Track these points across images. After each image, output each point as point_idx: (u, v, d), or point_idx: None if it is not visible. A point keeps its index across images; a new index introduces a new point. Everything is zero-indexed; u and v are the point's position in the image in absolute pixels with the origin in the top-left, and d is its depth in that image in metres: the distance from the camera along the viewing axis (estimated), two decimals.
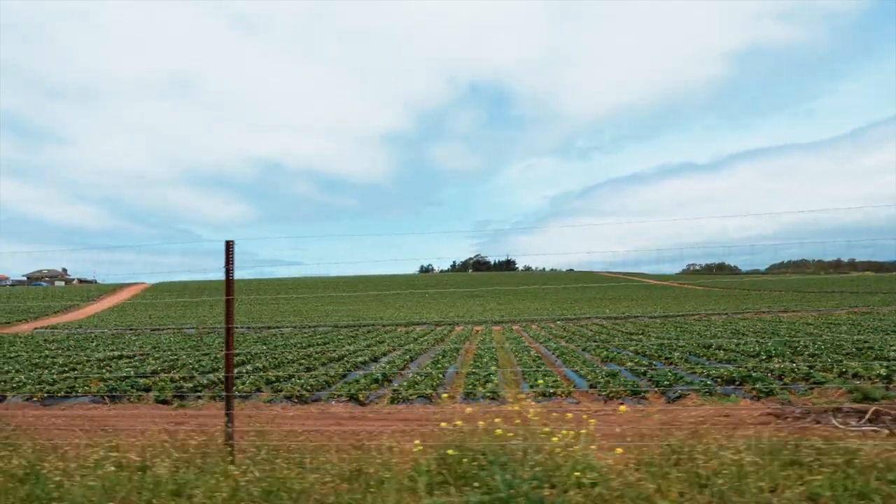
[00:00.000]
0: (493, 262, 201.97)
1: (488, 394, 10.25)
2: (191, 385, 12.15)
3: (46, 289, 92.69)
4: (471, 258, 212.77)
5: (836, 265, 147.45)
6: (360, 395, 10.58)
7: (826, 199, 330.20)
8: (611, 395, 9.78)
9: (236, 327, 35.29)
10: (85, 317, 49.11)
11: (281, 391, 11.25)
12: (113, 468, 3.71)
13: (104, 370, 15.11)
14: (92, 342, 26.25)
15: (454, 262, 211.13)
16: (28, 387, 12.07)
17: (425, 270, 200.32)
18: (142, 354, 19.59)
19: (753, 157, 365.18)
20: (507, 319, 42.40)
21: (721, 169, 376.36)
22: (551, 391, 10.12)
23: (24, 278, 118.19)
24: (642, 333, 25.37)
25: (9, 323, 43.04)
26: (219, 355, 18.18)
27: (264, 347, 22.41)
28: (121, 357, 18.68)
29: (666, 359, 14.61)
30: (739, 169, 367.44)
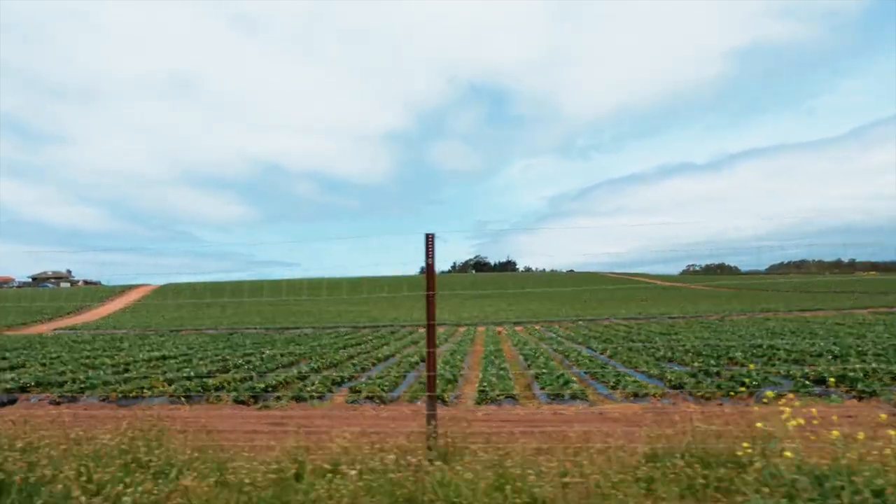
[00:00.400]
0: (493, 263, 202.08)
1: (575, 394, 10.13)
2: (262, 385, 12.00)
3: (54, 290, 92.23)
4: (470, 259, 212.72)
5: (837, 265, 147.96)
6: (445, 396, 10.45)
7: (827, 198, 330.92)
8: (706, 395, 9.66)
9: (253, 329, 34.94)
10: (99, 318, 48.83)
11: (360, 391, 11.11)
12: (354, 472, 3.56)
13: (158, 371, 14.93)
14: (120, 342, 26.04)
15: (454, 262, 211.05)
16: (98, 388, 11.93)
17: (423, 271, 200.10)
18: (184, 354, 19.40)
19: (754, 156, 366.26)
20: (525, 320, 42.29)
21: (721, 168, 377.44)
22: (644, 392, 10.01)
23: (30, 280, 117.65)
24: (675, 334, 25.21)
25: (25, 324, 42.74)
26: (264, 355, 18.04)
27: (300, 348, 22.23)
28: (165, 357, 18.50)
29: (729, 358, 14.51)
30: (740, 168, 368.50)
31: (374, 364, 16.69)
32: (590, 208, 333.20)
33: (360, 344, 24.44)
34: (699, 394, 9.77)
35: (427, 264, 4.46)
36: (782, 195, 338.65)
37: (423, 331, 35.45)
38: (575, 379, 11.47)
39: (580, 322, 39.51)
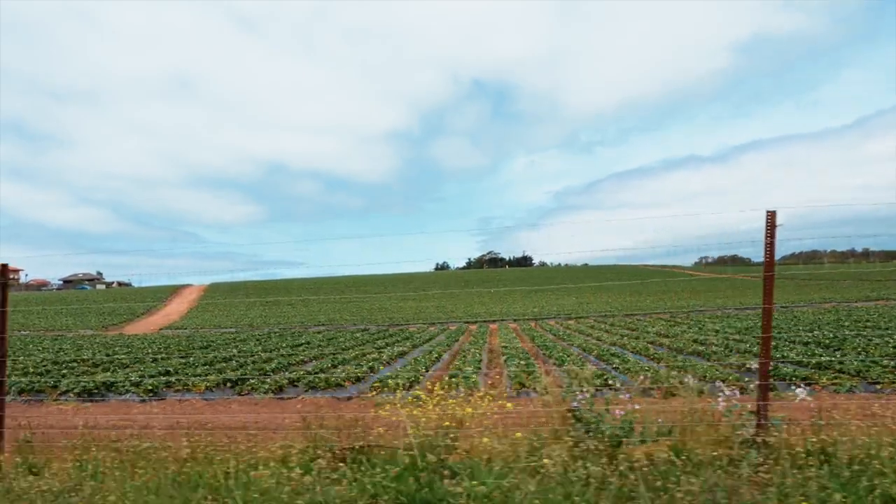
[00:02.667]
0: (508, 259, 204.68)
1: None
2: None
3: (96, 292, 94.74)
4: (484, 255, 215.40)
5: (851, 255, 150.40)
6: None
7: (831, 189, 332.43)
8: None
9: (293, 327, 36.76)
10: (179, 317, 51.33)
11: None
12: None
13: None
14: (244, 342, 27.82)
15: (469, 259, 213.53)
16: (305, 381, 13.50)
17: (441, 268, 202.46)
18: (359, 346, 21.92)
19: (758, 147, 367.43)
20: (566, 314, 43.80)
21: (726, 160, 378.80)
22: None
23: (61, 282, 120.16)
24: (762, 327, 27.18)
25: (109, 325, 45.18)
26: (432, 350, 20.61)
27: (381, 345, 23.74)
28: (317, 355, 21.07)
29: (836, 350, 15.77)
30: (744, 160, 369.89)
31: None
32: (595, 202, 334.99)
33: (430, 340, 26.34)
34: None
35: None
36: (787, 186, 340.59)
37: (472, 327, 37.96)
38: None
39: (636, 317, 41.43)
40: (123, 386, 11.37)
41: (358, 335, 29.28)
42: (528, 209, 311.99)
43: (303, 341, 25.44)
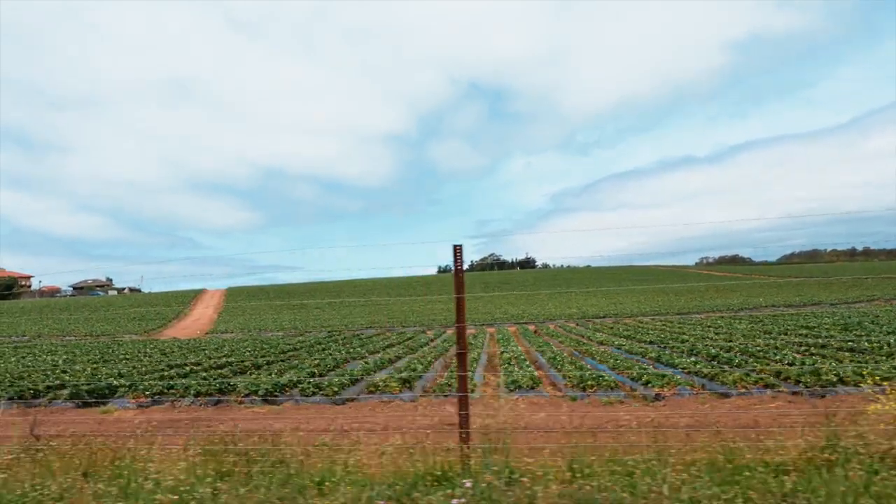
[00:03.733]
0: (511, 261, 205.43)
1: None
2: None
3: (109, 298, 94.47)
4: (486, 257, 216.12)
5: (851, 254, 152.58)
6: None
7: (829, 188, 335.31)
8: None
9: (343, 330, 37.10)
10: (210, 322, 51.53)
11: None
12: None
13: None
14: (308, 346, 28.31)
15: (472, 261, 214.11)
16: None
17: (443, 271, 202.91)
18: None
19: (755, 147, 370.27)
20: (597, 314, 44.60)
21: (723, 161, 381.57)
22: None
23: (70, 289, 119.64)
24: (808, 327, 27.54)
25: (148, 331, 45.31)
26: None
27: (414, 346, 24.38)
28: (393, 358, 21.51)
29: None
30: (741, 160, 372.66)
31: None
32: (593, 204, 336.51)
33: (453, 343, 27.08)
34: None
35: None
36: (784, 186, 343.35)
37: (490, 330, 38.55)
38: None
39: (674, 315, 42.27)
40: (306, 388, 11.76)
41: (422, 337, 29.87)
42: (526, 211, 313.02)
43: (384, 343, 25.86)
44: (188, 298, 72.73)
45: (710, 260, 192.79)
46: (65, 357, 21.38)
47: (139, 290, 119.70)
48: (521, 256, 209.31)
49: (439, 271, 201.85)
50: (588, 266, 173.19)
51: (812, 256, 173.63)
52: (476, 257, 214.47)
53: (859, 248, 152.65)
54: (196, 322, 52.39)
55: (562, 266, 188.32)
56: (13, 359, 21.23)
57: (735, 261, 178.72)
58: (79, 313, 58.85)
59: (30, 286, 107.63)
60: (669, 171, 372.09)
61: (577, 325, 37.08)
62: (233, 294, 76.51)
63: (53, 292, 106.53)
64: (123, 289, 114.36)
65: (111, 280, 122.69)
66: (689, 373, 12.44)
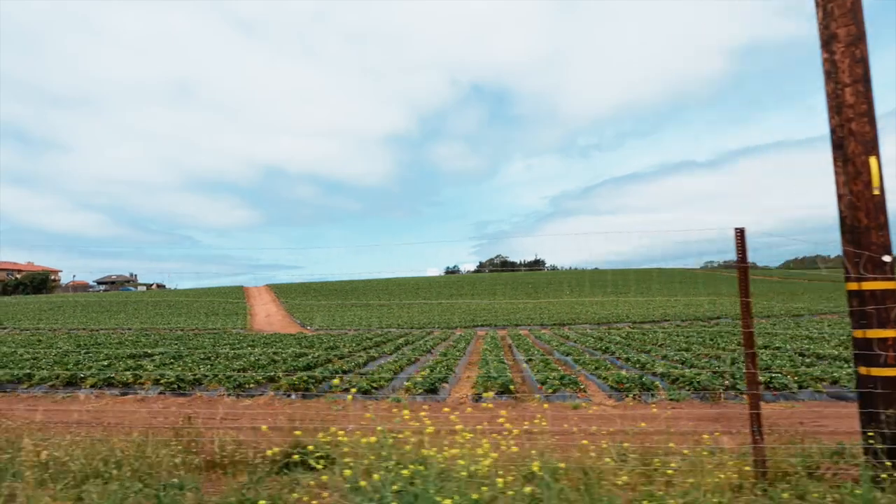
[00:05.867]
0: (519, 262, 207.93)
1: None
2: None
3: (141, 293, 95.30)
4: (493, 258, 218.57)
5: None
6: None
7: (831, 195, 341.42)
8: None
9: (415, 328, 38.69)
10: (285, 318, 53.10)
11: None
12: None
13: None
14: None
15: (480, 262, 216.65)
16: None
17: (452, 272, 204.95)
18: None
19: (754, 153, 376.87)
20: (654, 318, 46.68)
21: (722, 166, 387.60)
22: None
23: (95, 283, 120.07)
24: None
25: (225, 327, 46.65)
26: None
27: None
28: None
29: None
30: (740, 166, 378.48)
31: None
32: (592, 207, 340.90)
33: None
34: None
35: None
36: (784, 191, 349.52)
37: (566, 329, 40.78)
38: None
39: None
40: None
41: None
42: (525, 213, 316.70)
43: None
44: (236, 296, 74.11)
45: (715, 264, 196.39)
46: (273, 350, 22.50)
47: (164, 287, 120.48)
48: (528, 258, 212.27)
49: (447, 272, 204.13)
50: (596, 269, 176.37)
51: (813, 262, 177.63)
52: (470, 258, 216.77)
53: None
54: (271, 318, 53.91)
55: (570, 268, 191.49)
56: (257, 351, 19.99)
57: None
58: (155, 309, 60.11)
59: (59, 280, 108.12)
60: (669, 175, 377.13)
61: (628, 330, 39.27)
62: (280, 292, 77.91)
63: (84, 287, 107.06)
64: (151, 285, 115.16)
65: (135, 276, 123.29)
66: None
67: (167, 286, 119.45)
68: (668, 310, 48.89)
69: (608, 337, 25.57)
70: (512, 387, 11.33)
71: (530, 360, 16.98)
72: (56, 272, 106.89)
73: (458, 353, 19.00)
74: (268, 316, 55.23)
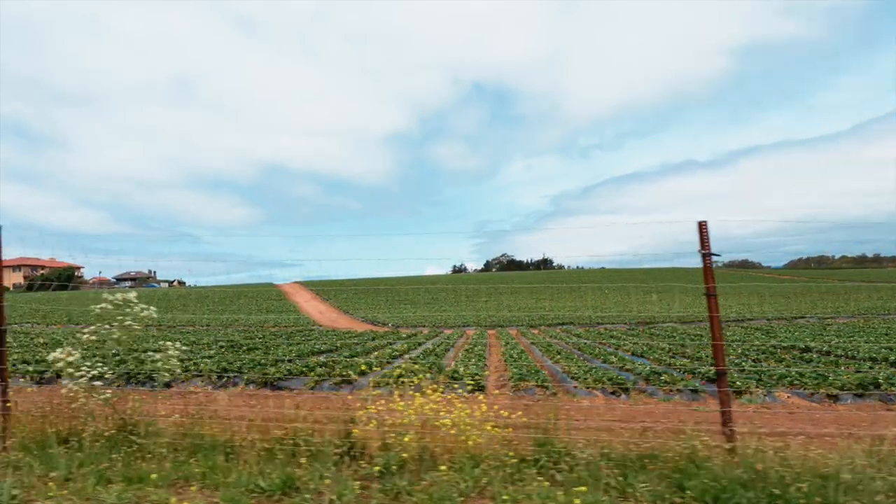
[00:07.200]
0: (526, 261, 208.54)
1: None
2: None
3: (170, 290, 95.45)
4: (500, 257, 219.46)
5: (861, 260, 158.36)
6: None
7: (829, 195, 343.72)
8: None
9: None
10: (340, 314, 53.74)
11: None
12: None
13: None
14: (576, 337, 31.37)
15: (487, 261, 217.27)
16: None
17: (458, 270, 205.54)
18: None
19: (755, 153, 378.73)
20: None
21: (723, 166, 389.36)
22: None
23: (114, 280, 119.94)
24: None
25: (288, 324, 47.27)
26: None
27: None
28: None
29: None
30: (742, 165, 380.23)
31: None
32: (592, 207, 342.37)
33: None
34: None
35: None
36: (785, 191, 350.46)
37: (599, 327, 41.74)
38: None
39: (780, 320, 45.39)
40: None
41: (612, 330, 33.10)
42: (526, 213, 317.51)
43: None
44: (272, 293, 74.66)
45: (719, 264, 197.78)
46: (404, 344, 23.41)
47: (184, 283, 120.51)
48: (535, 256, 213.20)
49: (454, 271, 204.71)
50: (603, 268, 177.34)
51: (820, 262, 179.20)
52: (482, 257, 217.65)
53: (869, 254, 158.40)
54: (325, 314, 54.54)
55: (577, 267, 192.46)
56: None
57: (745, 265, 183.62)
58: (203, 304, 60.52)
59: (82, 276, 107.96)
60: (670, 175, 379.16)
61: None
62: (314, 289, 78.50)
63: (108, 283, 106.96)
64: (172, 281, 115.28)
65: (154, 272, 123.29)
66: None
67: (187, 283, 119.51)
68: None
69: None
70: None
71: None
72: (79, 268, 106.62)
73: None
74: (321, 312, 55.79)
